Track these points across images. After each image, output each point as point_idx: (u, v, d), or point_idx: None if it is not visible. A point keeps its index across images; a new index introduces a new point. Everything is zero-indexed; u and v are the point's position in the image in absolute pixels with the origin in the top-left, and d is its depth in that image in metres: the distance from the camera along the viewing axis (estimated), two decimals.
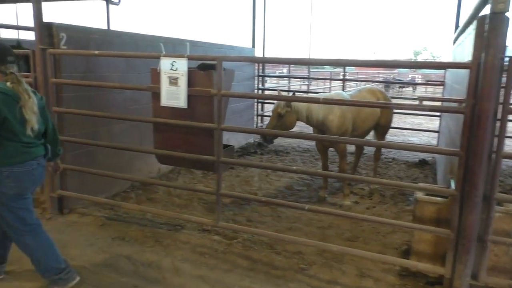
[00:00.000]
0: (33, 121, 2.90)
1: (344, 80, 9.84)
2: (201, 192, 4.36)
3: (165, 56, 3.83)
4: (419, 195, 3.61)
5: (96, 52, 4.29)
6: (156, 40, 5.97)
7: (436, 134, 9.36)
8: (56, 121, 4.49)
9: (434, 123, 13.07)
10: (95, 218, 4.56)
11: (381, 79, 29.63)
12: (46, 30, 4.35)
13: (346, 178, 5.30)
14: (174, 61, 3.81)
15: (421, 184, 3.79)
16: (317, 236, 4.44)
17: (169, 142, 4.12)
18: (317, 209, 3.83)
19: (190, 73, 3.81)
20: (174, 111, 3.95)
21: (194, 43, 6.80)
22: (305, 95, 11.35)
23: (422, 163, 7.88)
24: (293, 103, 5.00)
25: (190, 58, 3.78)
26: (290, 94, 6.59)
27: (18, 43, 5.01)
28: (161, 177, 6.37)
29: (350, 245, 4.18)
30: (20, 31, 12.26)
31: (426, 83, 15.42)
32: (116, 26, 16.28)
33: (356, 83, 24.38)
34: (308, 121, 5.25)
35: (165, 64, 3.84)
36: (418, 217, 3.57)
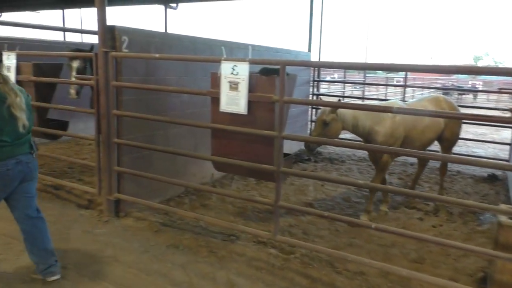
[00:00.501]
0: (23, 118, 2.93)
1: (405, 86, 9.28)
2: (259, 203, 4.16)
3: (226, 60, 3.69)
4: (503, 219, 3.21)
5: (157, 55, 4.23)
6: (214, 44, 5.90)
7: (504, 147, 8.63)
8: (115, 124, 4.50)
9: (500, 133, 12.16)
10: (150, 223, 4.50)
11: (439, 85, 28.32)
12: (109, 33, 4.37)
13: (415, 196, 4.87)
14: (235, 65, 3.66)
15: (503, 206, 3.38)
16: (379, 255, 4.12)
17: (227, 149, 3.98)
18: (385, 228, 3.50)
19: (252, 78, 3.64)
20: (233, 117, 3.80)
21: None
22: (356, 102, 10.93)
23: (492, 178, 7.25)
24: (338, 110, 4.71)
25: (251, 62, 3.61)
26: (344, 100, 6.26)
27: (92, 47, 5.11)
28: (214, 183, 6.27)
29: (417, 267, 3.83)
30: (83, 34, 12.78)
31: (499, 91, 13.92)
32: (173, 30, 16.60)
33: (413, 90, 23.40)
34: (354, 130, 4.92)
35: (225, 68, 3.70)
36: (502, 244, 3.17)
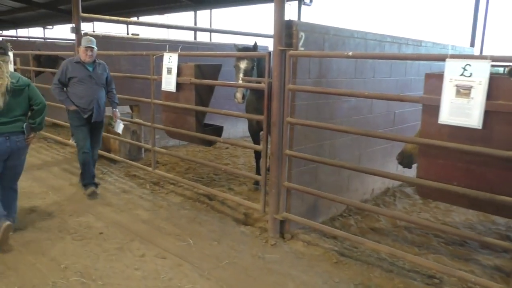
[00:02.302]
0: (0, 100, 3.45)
1: None
2: (497, 245, 3.19)
3: (453, 57, 2.84)
4: None
5: (350, 53, 3.53)
6: (384, 40, 5.06)
7: None
8: (287, 133, 3.92)
9: None
10: (325, 252, 3.82)
11: None
12: (286, 30, 3.79)
13: None
14: (467, 64, 2.79)
15: None
16: None
17: (442, 171, 3.11)
18: None
19: (491, 81, 2.74)
20: (456, 131, 2.93)
21: (417, 43, 5.69)
22: None
23: None
24: None
25: (494, 60, 2.72)
26: None
27: (255, 46, 4.66)
28: (375, 199, 5.45)
29: None
30: (212, 33, 12.83)
31: None
32: None
33: None
34: None
35: (452, 67, 2.85)
36: None
